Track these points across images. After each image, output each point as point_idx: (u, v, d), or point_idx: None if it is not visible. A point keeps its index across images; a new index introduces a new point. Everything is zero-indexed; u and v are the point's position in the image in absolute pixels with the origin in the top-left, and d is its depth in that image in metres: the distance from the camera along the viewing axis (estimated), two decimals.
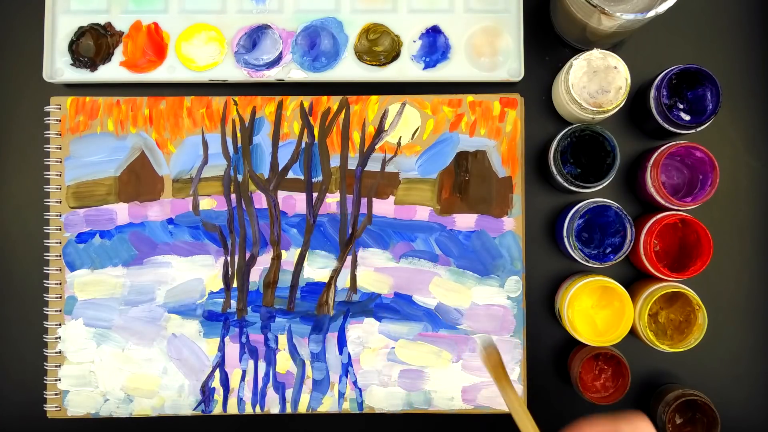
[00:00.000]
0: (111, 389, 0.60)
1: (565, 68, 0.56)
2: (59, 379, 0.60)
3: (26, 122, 0.63)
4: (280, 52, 0.61)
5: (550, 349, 0.62)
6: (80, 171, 0.61)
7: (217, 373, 0.60)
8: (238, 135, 0.61)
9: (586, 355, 0.58)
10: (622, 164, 0.61)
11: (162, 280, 0.60)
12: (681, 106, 0.58)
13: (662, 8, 0.50)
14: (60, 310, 0.60)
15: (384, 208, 0.61)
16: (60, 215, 0.61)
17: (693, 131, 0.56)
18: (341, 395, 0.60)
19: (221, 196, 0.61)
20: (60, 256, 0.61)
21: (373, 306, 0.61)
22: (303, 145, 0.61)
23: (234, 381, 0.60)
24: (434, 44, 0.61)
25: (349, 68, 0.61)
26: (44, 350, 0.60)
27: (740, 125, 0.62)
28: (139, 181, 0.61)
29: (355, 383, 0.60)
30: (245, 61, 0.61)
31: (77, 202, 0.61)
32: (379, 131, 0.61)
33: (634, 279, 0.61)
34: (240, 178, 0.61)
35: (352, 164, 0.61)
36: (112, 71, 0.61)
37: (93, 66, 0.61)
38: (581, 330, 0.57)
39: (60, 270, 0.60)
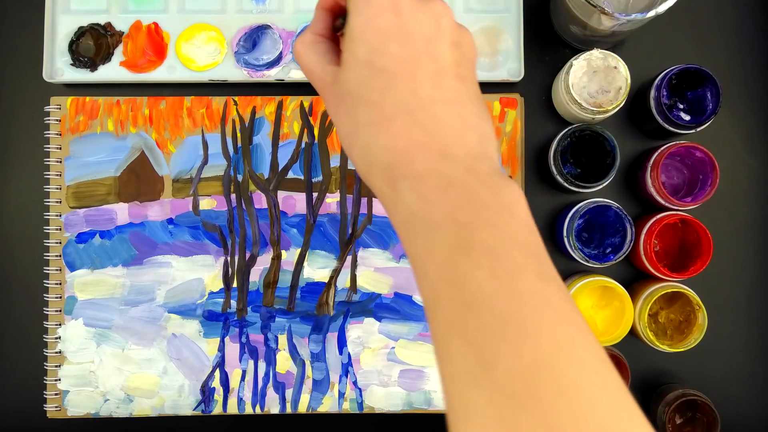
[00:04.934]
0: (111, 389, 0.60)
1: (565, 68, 0.56)
2: (59, 379, 0.60)
3: (26, 122, 0.63)
4: (280, 52, 0.61)
5: None
6: (80, 171, 0.61)
7: (217, 373, 0.60)
8: (238, 135, 0.61)
9: None
10: (622, 164, 0.61)
11: (162, 280, 0.60)
12: (681, 106, 0.58)
13: (662, 8, 0.50)
14: (60, 310, 0.60)
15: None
16: (60, 215, 0.61)
17: (693, 131, 0.56)
18: (341, 395, 0.60)
19: (221, 196, 0.61)
20: (60, 256, 0.61)
21: (373, 306, 0.61)
22: (303, 145, 0.61)
23: (234, 381, 0.60)
24: None
25: None
26: (44, 350, 0.60)
27: (740, 125, 0.62)
28: (139, 181, 0.61)
29: (355, 383, 0.60)
30: (245, 61, 0.61)
31: (77, 202, 0.61)
32: None
33: (634, 279, 0.61)
34: (240, 178, 0.61)
35: (352, 164, 0.61)
36: (112, 71, 0.61)
37: (93, 66, 0.61)
38: None
39: (60, 270, 0.60)
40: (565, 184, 0.56)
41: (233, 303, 0.61)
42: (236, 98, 0.61)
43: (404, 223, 0.30)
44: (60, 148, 0.61)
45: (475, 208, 0.29)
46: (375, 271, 0.61)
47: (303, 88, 0.62)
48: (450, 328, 0.27)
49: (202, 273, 0.61)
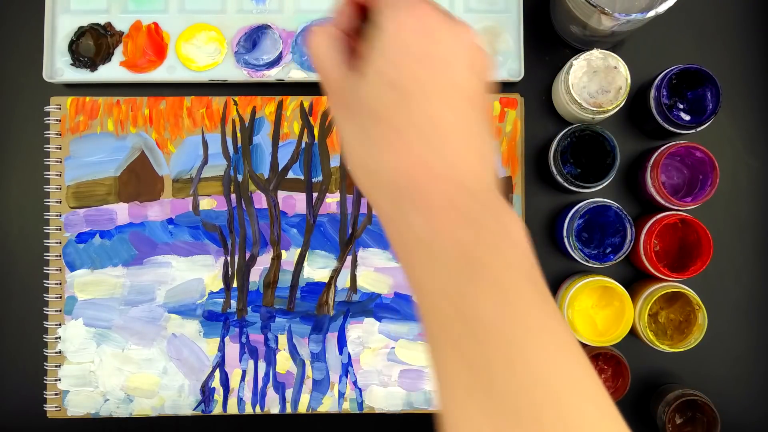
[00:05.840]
0: (111, 389, 0.60)
1: (565, 68, 0.56)
2: (59, 379, 0.60)
3: (26, 122, 0.63)
4: (280, 52, 0.61)
5: None
6: (80, 171, 0.61)
7: (217, 373, 0.60)
8: (238, 135, 0.61)
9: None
10: (622, 164, 0.61)
11: (162, 280, 0.60)
12: (681, 106, 0.58)
13: (662, 8, 0.50)
14: (60, 310, 0.60)
15: None
16: (60, 215, 0.61)
17: (693, 131, 0.56)
18: (341, 395, 0.60)
19: (221, 196, 0.61)
20: (60, 256, 0.61)
21: (373, 306, 0.61)
22: (303, 145, 0.61)
23: (234, 381, 0.60)
24: None
25: None
26: (44, 350, 0.60)
27: (740, 125, 0.62)
28: (139, 181, 0.61)
29: (355, 383, 0.60)
30: (245, 61, 0.61)
31: (77, 202, 0.61)
32: None
33: (634, 279, 0.61)
34: (240, 178, 0.61)
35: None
36: (112, 71, 0.61)
37: (93, 66, 0.61)
38: (581, 330, 0.57)
39: (60, 270, 0.60)
40: (565, 184, 0.56)
41: (233, 303, 0.61)
42: (236, 98, 0.61)
43: (406, 244, 0.31)
44: (60, 148, 0.61)
45: (479, 235, 0.30)
46: (375, 271, 0.61)
47: (303, 88, 0.62)
48: (445, 339, 0.29)
49: (202, 273, 0.61)
